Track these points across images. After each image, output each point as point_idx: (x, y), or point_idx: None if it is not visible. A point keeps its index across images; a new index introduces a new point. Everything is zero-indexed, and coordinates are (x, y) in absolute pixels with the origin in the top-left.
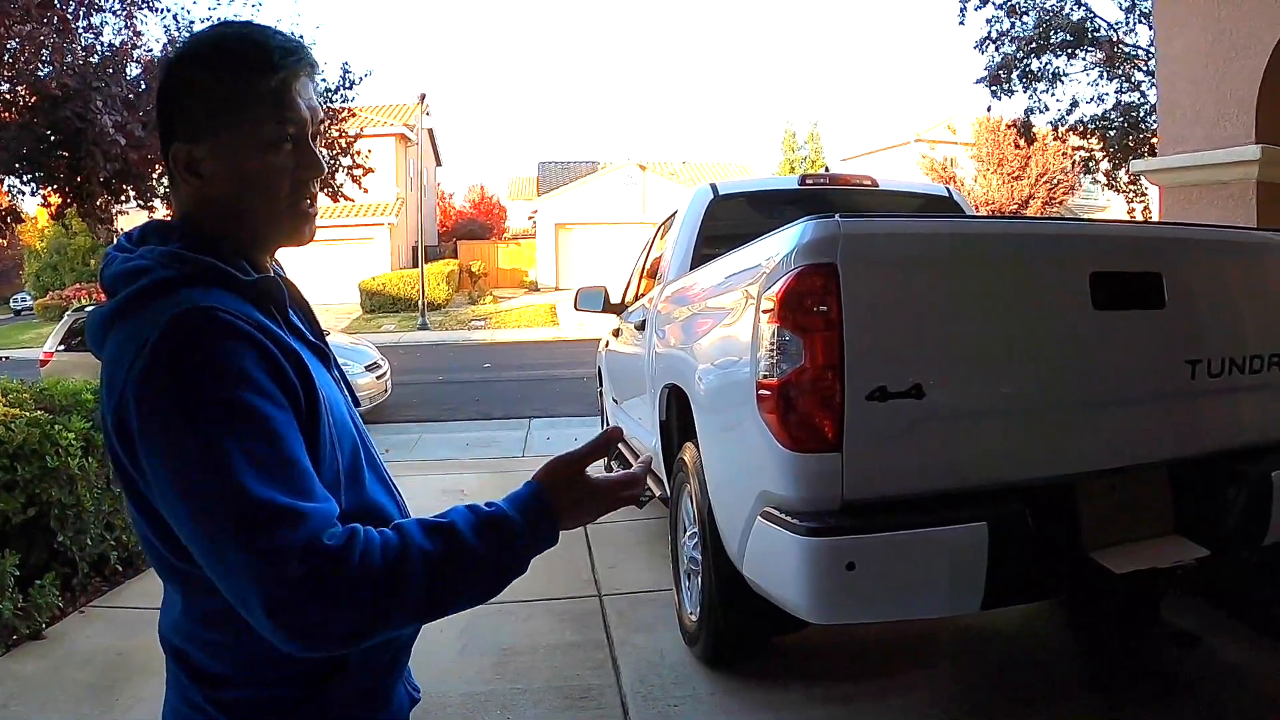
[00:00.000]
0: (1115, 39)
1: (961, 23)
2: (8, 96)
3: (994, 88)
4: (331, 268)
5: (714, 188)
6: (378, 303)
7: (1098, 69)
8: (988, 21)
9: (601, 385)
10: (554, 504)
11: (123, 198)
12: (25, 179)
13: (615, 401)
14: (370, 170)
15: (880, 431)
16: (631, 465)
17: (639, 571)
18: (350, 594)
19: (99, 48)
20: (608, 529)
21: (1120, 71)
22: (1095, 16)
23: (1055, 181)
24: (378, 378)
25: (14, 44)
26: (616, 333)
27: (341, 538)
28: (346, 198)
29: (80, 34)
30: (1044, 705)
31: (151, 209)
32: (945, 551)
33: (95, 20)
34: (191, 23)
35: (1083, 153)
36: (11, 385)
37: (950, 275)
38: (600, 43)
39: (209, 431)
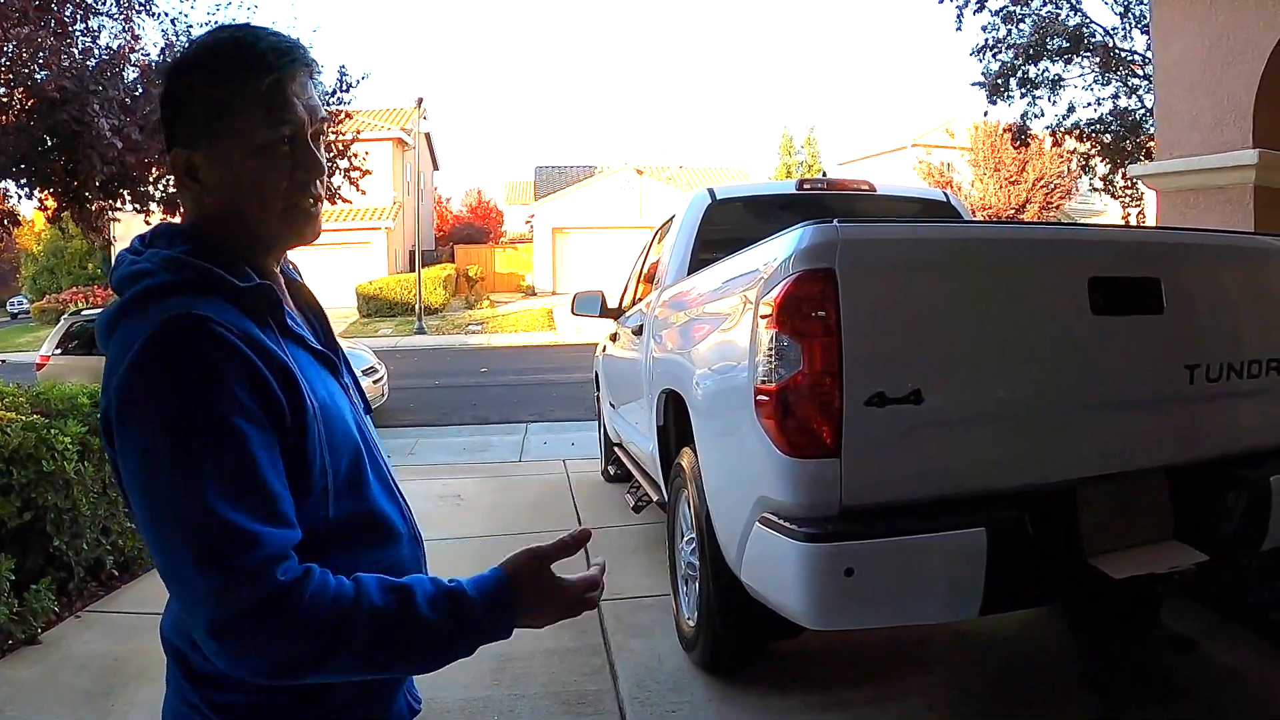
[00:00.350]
0: (1111, 44)
1: (959, 29)
2: (4, 100)
3: (993, 97)
4: (328, 272)
5: (711, 192)
6: (374, 307)
7: (1094, 74)
8: (983, 29)
9: (599, 390)
10: (517, 598)
11: (118, 202)
12: (21, 182)
13: (612, 406)
14: (368, 172)
15: (879, 437)
16: (638, 480)
17: (637, 576)
18: (290, 633)
19: (96, 51)
20: (605, 534)
21: (1117, 76)
22: (1091, 22)
23: (1052, 186)
24: (374, 382)
25: (11, 47)
26: (614, 337)
27: (295, 574)
28: (344, 199)
29: (78, 37)
30: (1042, 709)
31: (147, 213)
32: (944, 557)
33: (93, 24)
34: (189, 27)
35: (1080, 155)
36: (8, 389)
37: (949, 280)
38: (597, 47)
39: (178, 443)
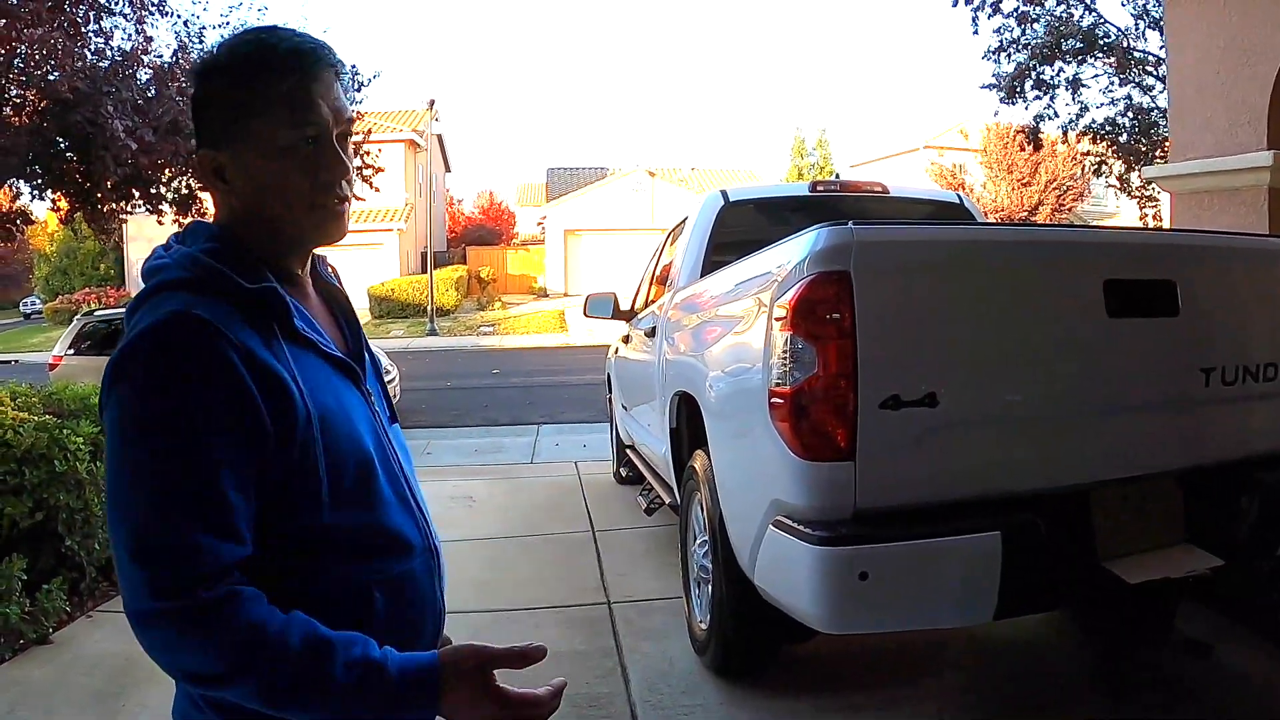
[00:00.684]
0: (1126, 44)
1: (975, 32)
2: (17, 100)
3: (1009, 99)
4: (340, 273)
5: (724, 194)
6: (386, 308)
7: (1108, 75)
8: (996, 31)
9: (610, 392)
10: (443, 690)
11: (130, 203)
12: (35, 182)
13: (624, 408)
14: (380, 170)
15: (893, 440)
16: (650, 483)
17: (648, 579)
18: (197, 647)
19: (109, 52)
20: (616, 536)
21: (1131, 77)
22: (1106, 22)
23: (1065, 188)
24: (388, 383)
25: (24, 48)
26: (626, 339)
27: (220, 593)
28: (358, 197)
29: (90, 38)
30: (1054, 714)
31: (159, 214)
32: (958, 561)
33: (105, 25)
34: (202, 28)
35: (1093, 157)
36: (20, 389)
37: (963, 283)
38: (609, 49)
39: (139, 438)
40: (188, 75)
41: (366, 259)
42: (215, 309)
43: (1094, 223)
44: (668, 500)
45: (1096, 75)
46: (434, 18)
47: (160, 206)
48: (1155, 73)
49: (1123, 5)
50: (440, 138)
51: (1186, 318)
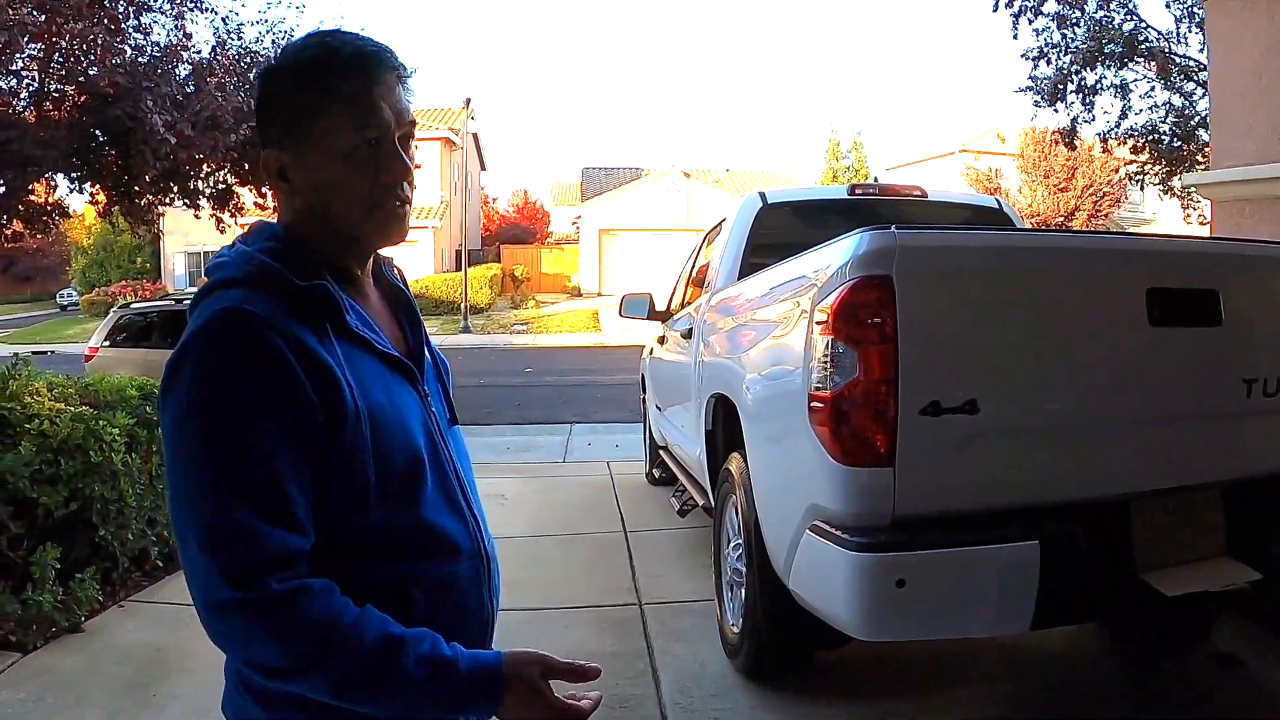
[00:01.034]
0: (1167, 49)
1: (1015, 37)
2: (57, 95)
3: (1050, 103)
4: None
5: (763, 196)
6: (420, 305)
7: (1148, 80)
8: (1036, 32)
9: (644, 392)
10: (505, 691)
11: (168, 197)
12: (73, 176)
13: (658, 409)
14: (417, 167)
15: (933, 447)
16: (683, 484)
17: (680, 581)
18: (267, 639)
19: (148, 48)
20: (649, 537)
21: (1174, 83)
22: (1148, 26)
23: (1101, 194)
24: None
25: (64, 43)
26: (661, 340)
27: (291, 585)
28: None
29: (130, 34)
30: None
31: (197, 209)
32: (996, 570)
33: (145, 20)
34: (240, 25)
35: (1133, 167)
36: (57, 380)
37: (1005, 289)
38: (645, 49)
39: (198, 431)
40: (226, 71)
41: (401, 256)
42: (267, 304)
43: (1131, 229)
44: (701, 502)
45: (1137, 80)
46: (470, 16)
47: (198, 201)
48: (1196, 78)
49: (1166, 8)
50: (476, 136)
51: (1229, 327)
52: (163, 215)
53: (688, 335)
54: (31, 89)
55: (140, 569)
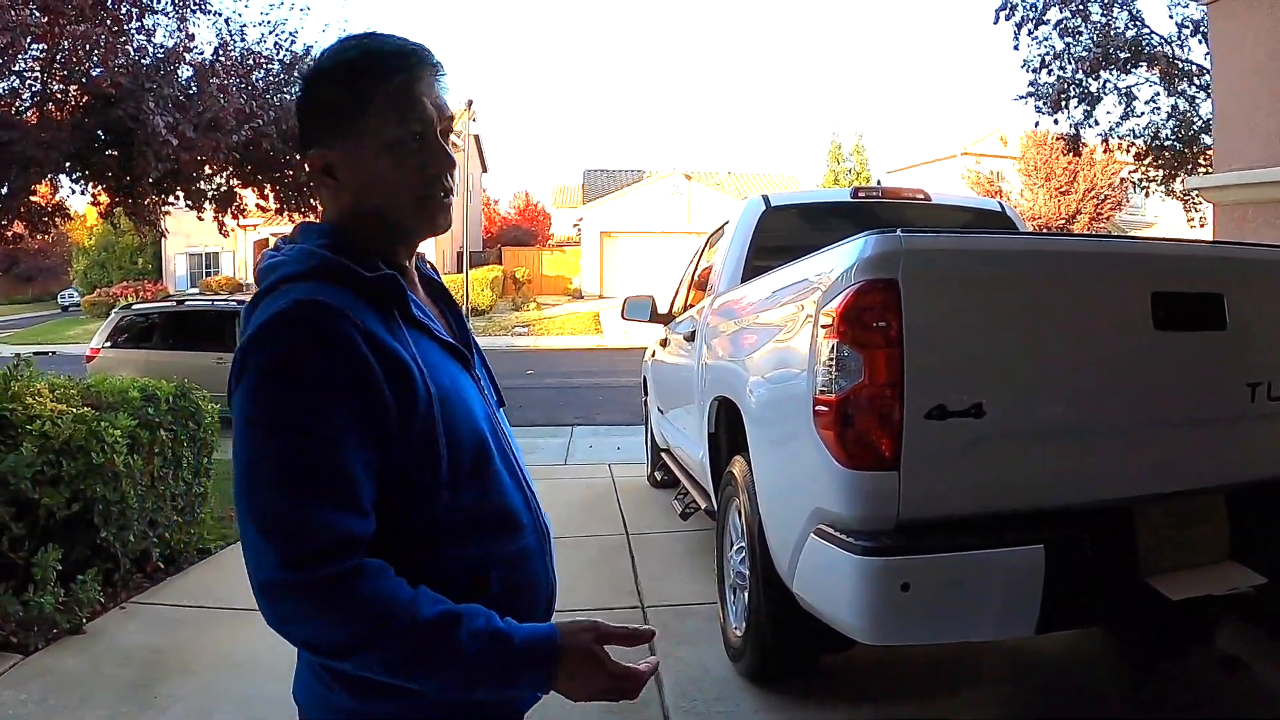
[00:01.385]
0: (1171, 53)
1: (1016, 47)
2: (59, 96)
3: (1056, 112)
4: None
5: (766, 199)
6: None
7: (1151, 84)
8: (1038, 41)
9: (646, 395)
10: (561, 660)
11: (171, 198)
12: (75, 176)
13: (660, 411)
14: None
15: (938, 451)
16: (685, 487)
17: (683, 583)
18: (324, 619)
19: (151, 49)
20: (651, 539)
21: (1177, 88)
22: (1152, 32)
23: (1103, 197)
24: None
25: (67, 44)
26: (664, 342)
27: (347, 567)
28: None
29: (133, 35)
30: None
31: (199, 210)
32: (1001, 574)
33: (148, 22)
34: (243, 26)
35: (1136, 174)
36: (58, 381)
37: (1011, 292)
38: (647, 52)
39: (271, 416)
40: (228, 72)
41: None
42: (338, 295)
43: (1132, 232)
44: (704, 505)
45: (1138, 84)
46: (473, 18)
47: (201, 203)
48: (1198, 82)
49: (1169, 17)
50: (477, 138)
51: (1234, 331)
52: (167, 215)
53: (690, 338)
54: (34, 90)
55: (142, 570)
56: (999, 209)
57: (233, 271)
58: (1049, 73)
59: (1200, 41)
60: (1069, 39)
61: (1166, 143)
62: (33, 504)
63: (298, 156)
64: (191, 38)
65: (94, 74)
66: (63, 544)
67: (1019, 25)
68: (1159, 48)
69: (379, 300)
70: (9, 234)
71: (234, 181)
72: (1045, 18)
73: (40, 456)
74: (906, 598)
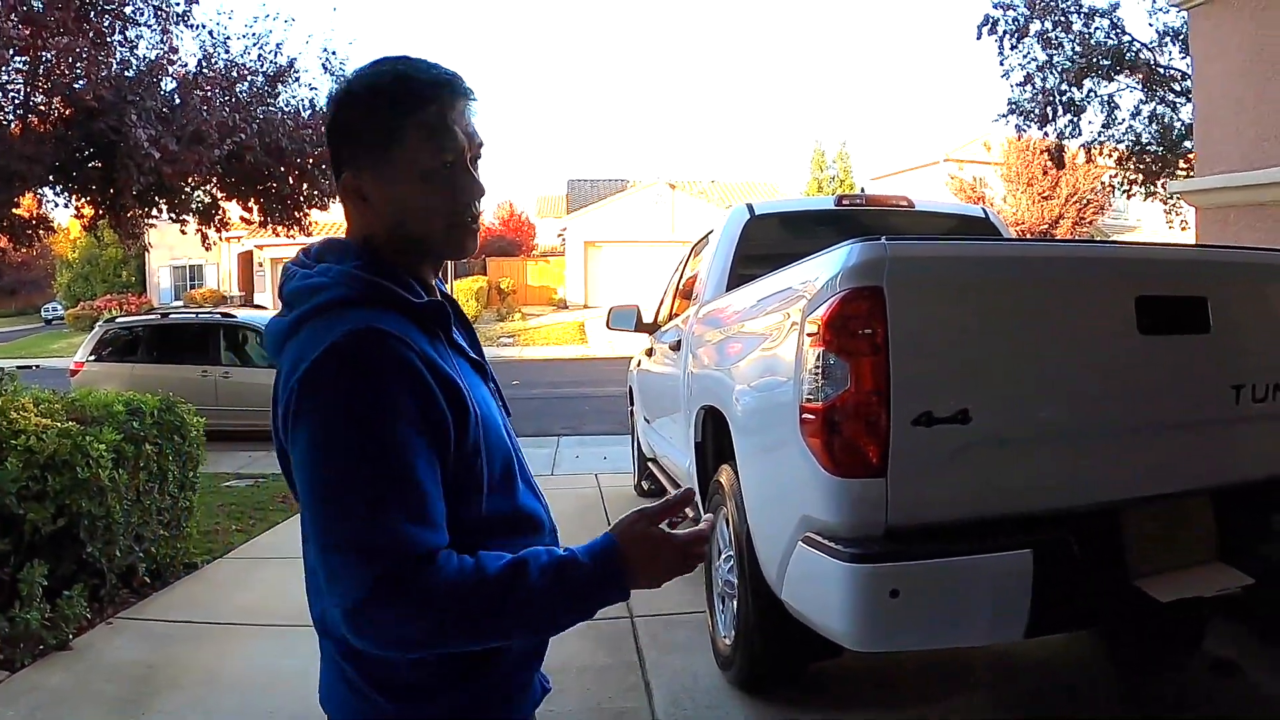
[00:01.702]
0: (1153, 60)
1: (1001, 61)
2: (42, 108)
3: (1041, 124)
4: None
5: (750, 207)
6: None
7: (1131, 89)
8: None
9: (632, 404)
10: (626, 559)
11: (155, 211)
12: (58, 189)
13: (647, 421)
14: None
15: (925, 457)
16: (671, 501)
17: (671, 593)
18: (417, 618)
19: (134, 62)
20: None
21: (1157, 93)
22: (1133, 40)
23: (1085, 201)
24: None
25: (50, 56)
26: (649, 352)
27: (427, 565)
28: None
29: (116, 48)
30: None
31: (183, 223)
32: (990, 579)
33: (131, 34)
34: (226, 38)
35: (1118, 180)
36: (43, 395)
37: (996, 298)
38: (629, 61)
39: (349, 442)
40: (212, 84)
41: None
42: (395, 322)
43: (1115, 236)
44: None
45: (1120, 90)
46: (455, 29)
47: (185, 216)
48: (1179, 87)
49: (1150, 25)
50: None
51: (1218, 334)
52: (151, 227)
53: (676, 347)
54: (17, 102)
55: (128, 585)
56: (983, 215)
57: (217, 284)
58: (1033, 84)
59: (1180, 48)
60: (1052, 50)
61: (1148, 148)
62: (18, 519)
63: (281, 169)
64: (175, 50)
65: (77, 86)
66: (48, 559)
67: (1001, 39)
68: (1140, 54)
69: (426, 324)
70: None
71: (218, 194)
72: (1027, 30)
73: (25, 471)
74: (895, 604)
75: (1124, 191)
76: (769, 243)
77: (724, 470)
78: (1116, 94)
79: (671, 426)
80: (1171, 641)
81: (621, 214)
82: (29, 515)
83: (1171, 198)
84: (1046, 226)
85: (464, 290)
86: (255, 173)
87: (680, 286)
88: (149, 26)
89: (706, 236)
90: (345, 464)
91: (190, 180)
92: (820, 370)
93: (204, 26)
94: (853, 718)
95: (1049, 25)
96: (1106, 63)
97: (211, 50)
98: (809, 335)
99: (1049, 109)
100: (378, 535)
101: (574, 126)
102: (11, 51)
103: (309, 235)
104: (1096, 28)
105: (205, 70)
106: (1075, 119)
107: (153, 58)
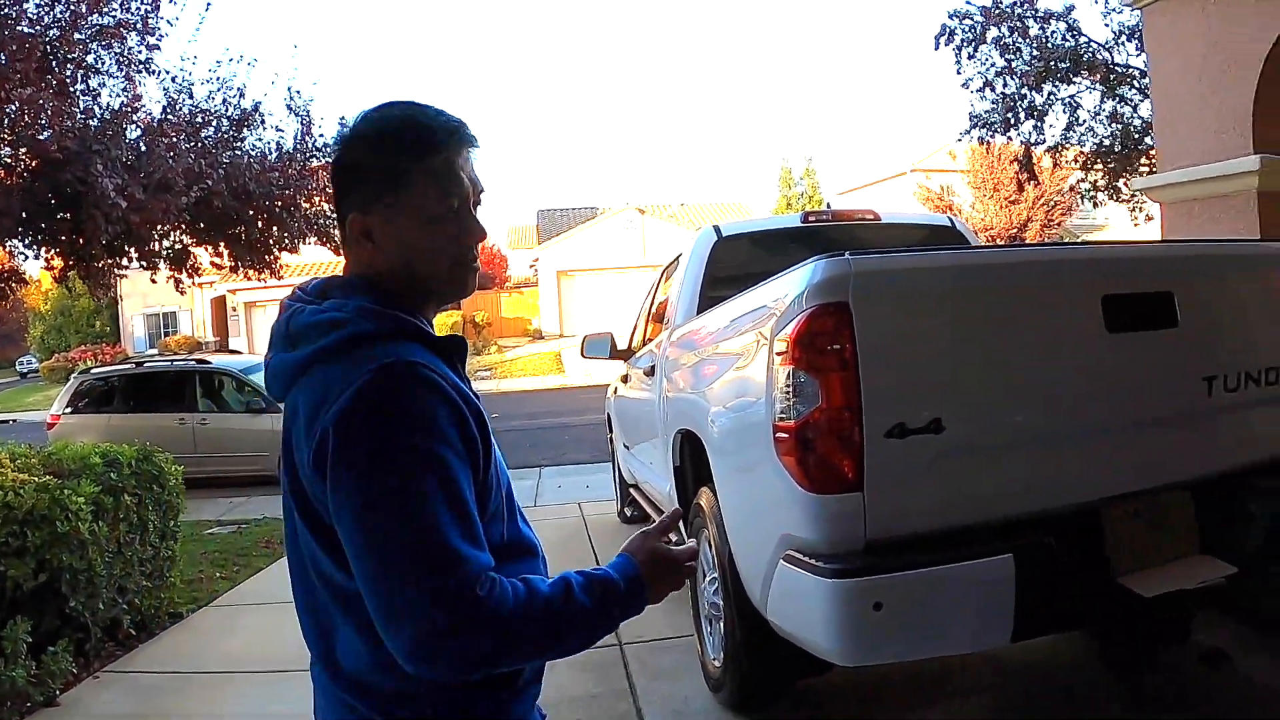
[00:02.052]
0: (1110, 60)
1: (959, 71)
2: (8, 160)
3: (1005, 130)
4: None
5: (717, 229)
6: None
7: (1091, 90)
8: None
9: (611, 431)
10: (645, 575)
11: (124, 260)
12: (27, 241)
13: (626, 447)
14: None
15: (901, 468)
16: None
17: (658, 618)
18: (483, 637)
19: (98, 111)
20: None
21: (1117, 93)
22: (1090, 40)
23: (1052, 204)
24: None
25: (13, 108)
26: (625, 379)
27: (488, 587)
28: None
29: (79, 97)
30: None
31: (154, 270)
32: (972, 586)
33: (93, 83)
34: (190, 84)
35: (1085, 183)
36: (19, 450)
37: (963, 307)
38: (594, 88)
39: (404, 475)
40: (177, 130)
41: None
42: (421, 354)
43: (1083, 236)
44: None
45: (1080, 92)
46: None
47: (155, 263)
48: (1137, 84)
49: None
50: None
51: (1186, 327)
52: (123, 277)
53: (650, 372)
54: None
55: (113, 638)
56: (949, 224)
57: (191, 330)
58: (992, 90)
59: (1136, 45)
60: (1010, 55)
61: (1110, 147)
62: None
63: (250, 212)
64: (139, 98)
65: (42, 138)
66: (31, 615)
67: (959, 49)
68: (1097, 54)
69: (448, 359)
70: None
71: (187, 240)
72: (984, 38)
73: (4, 528)
74: (879, 617)
75: (1089, 197)
76: (737, 264)
77: (704, 493)
78: (1077, 95)
79: (651, 451)
80: (1160, 636)
81: (593, 242)
82: (9, 571)
83: (1135, 195)
84: (1015, 231)
85: (439, 325)
86: (223, 218)
87: (652, 311)
88: (112, 75)
89: (676, 260)
90: (403, 498)
91: (158, 228)
92: (791, 388)
93: (168, 73)
94: None
95: (1005, 31)
96: (1065, 65)
97: (176, 96)
98: (778, 354)
99: (1010, 115)
100: (446, 563)
101: (542, 156)
102: None
103: (280, 278)
104: (1053, 31)
105: (170, 116)
106: (1039, 124)
107: (117, 106)
